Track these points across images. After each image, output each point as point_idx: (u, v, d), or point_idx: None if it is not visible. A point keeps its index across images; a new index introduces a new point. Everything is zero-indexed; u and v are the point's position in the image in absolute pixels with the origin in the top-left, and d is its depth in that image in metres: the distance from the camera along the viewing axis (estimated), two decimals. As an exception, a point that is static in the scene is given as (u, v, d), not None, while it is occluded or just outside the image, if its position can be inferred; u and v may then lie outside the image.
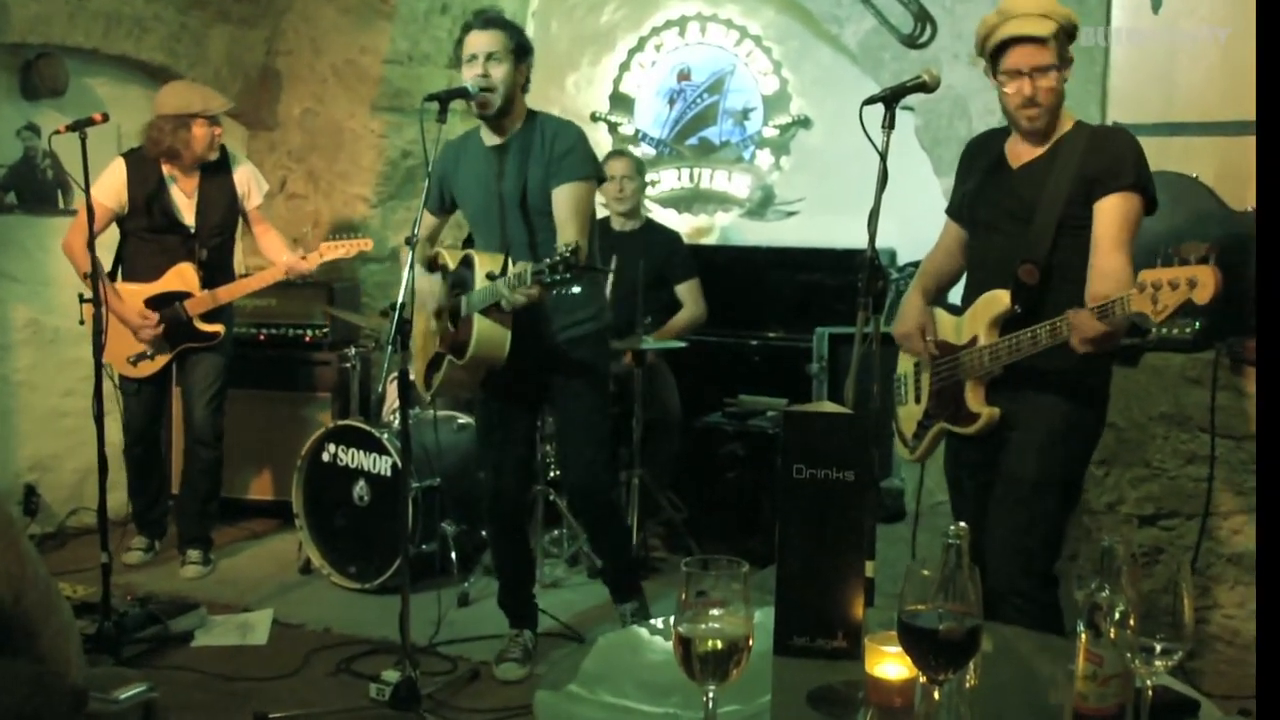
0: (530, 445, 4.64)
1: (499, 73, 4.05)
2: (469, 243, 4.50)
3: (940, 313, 3.63)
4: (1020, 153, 3.44)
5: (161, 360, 5.37)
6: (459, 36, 4.18)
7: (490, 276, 3.91)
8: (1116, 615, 1.80)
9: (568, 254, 3.57)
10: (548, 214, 4.08)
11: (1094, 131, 3.37)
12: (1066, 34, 3.29)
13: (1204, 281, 2.80)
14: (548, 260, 3.61)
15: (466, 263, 4.15)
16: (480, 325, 3.98)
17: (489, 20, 4.12)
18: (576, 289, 3.73)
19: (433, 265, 4.33)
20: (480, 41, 4.08)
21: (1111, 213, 3.23)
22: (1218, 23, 4.30)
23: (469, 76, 4.07)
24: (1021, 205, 3.36)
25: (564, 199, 4.05)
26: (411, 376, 4.18)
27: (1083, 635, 1.84)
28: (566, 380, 4.25)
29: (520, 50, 4.13)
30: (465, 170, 4.27)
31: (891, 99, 3.07)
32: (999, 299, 3.35)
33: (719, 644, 1.68)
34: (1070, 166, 3.28)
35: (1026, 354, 3.25)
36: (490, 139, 4.20)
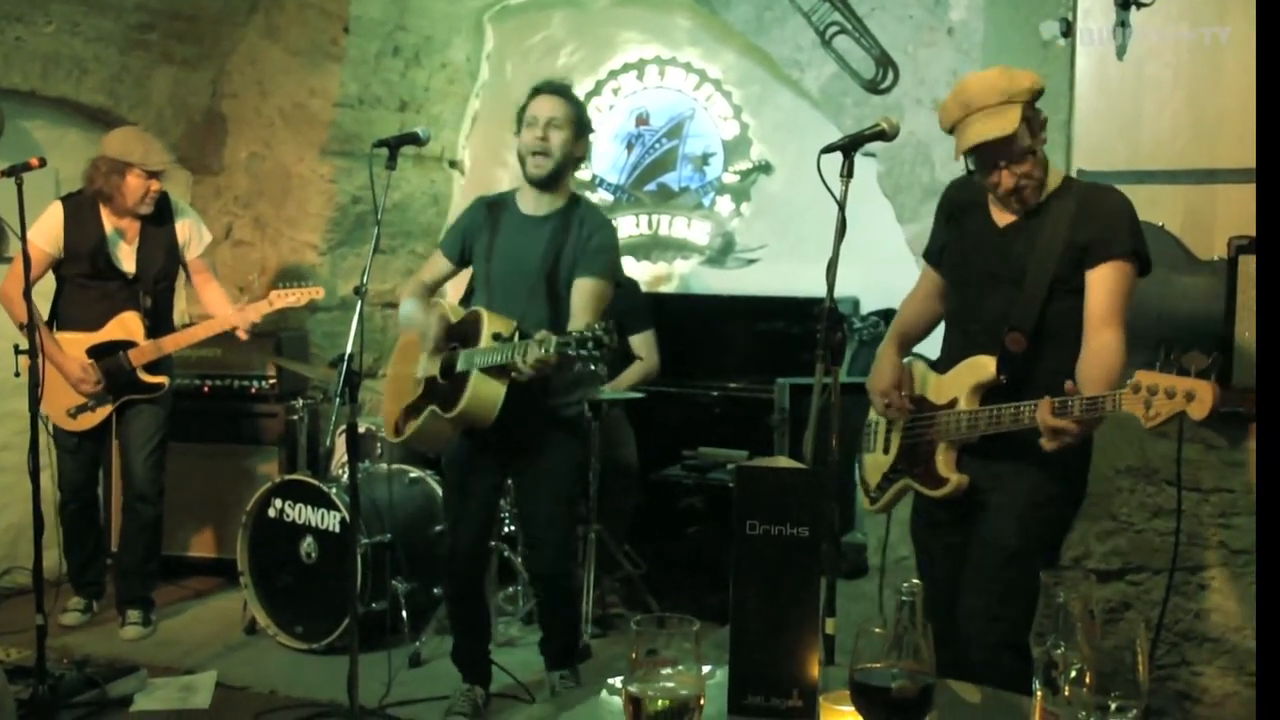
0: (494, 505, 4.57)
1: (558, 139, 4.10)
2: (466, 300, 4.44)
3: (920, 367, 3.55)
4: (1006, 211, 3.34)
5: (102, 413, 5.26)
6: (524, 101, 4.20)
7: (497, 338, 3.87)
8: (1072, 673, 1.77)
9: (600, 333, 3.55)
10: (568, 297, 4.10)
11: (1085, 192, 3.27)
12: (1032, 105, 3.18)
13: (1203, 397, 2.76)
14: (576, 334, 3.57)
15: (471, 319, 4.10)
16: (477, 383, 3.95)
17: (557, 88, 4.19)
18: (592, 366, 3.67)
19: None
20: (545, 106, 4.13)
21: (1103, 285, 3.16)
22: (1183, 70, 4.29)
23: (527, 139, 4.10)
24: (1008, 268, 3.27)
25: (585, 291, 4.08)
26: (362, 430, 4.08)
27: (1039, 693, 1.84)
28: (542, 460, 4.24)
29: (581, 124, 4.17)
30: (498, 232, 4.24)
31: (850, 147, 3.01)
32: (984, 366, 3.27)
33: (669, 704, 1.68)
34: (1060, 230, 3.19)
35: (1005, 429, 3.17)
36: (530, 207, 4.20)
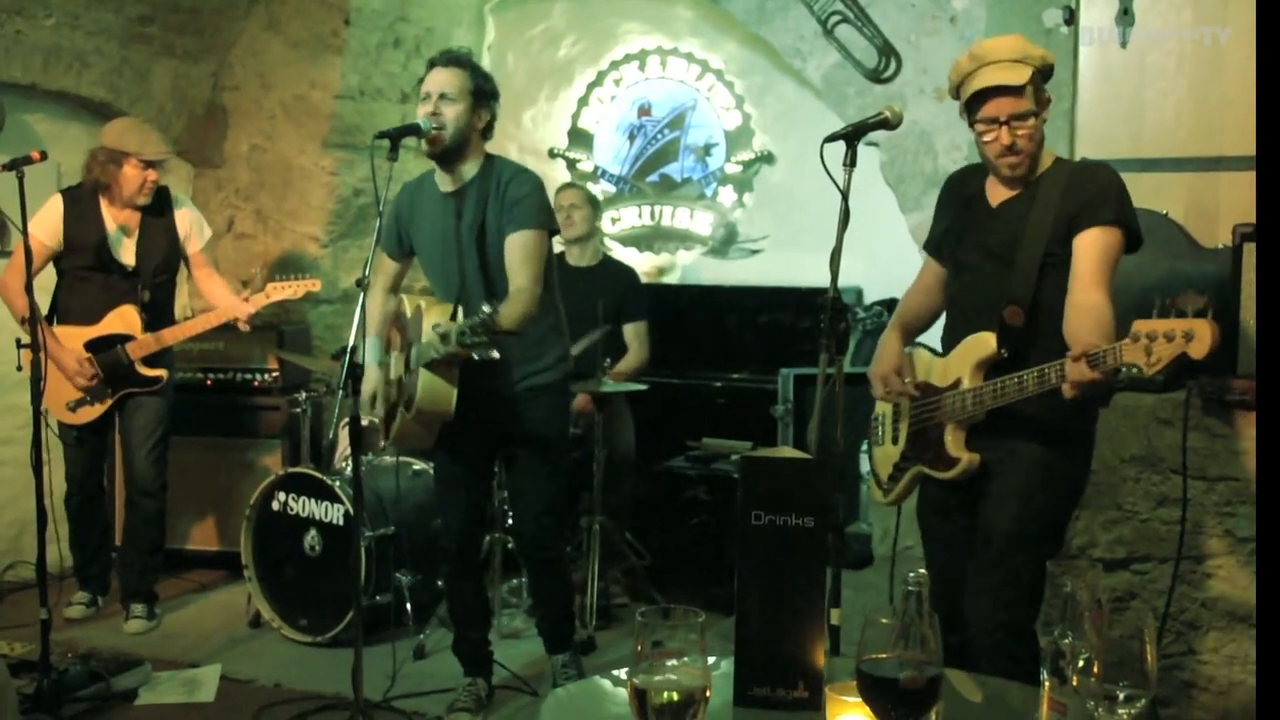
0: (486, 492, 4.56)
1: (451, 112, 4.00)
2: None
3: (922, 353, 3.56)
4: (999, 191, 3.36)
5: (101, 406, 5.23)
6: (424, 74, 4.12)
7: (436, 328, 3.82)
8: (1080, 662, 1.78)
9: (487, 317, 3.50)
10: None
11: (1075, 168, 3.30)
12: (1042, 75, 3.22)
13: (1201, 335, 2.73)
14: (468, 322, 3.53)
15: (416, 314, 4.09)
16: (425, 379, 3.91)
17: (451, 59, 4.09)
18: (495, 354, 3.61)
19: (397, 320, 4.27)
20: (437, 80, 4.04)
21: (1089, 248, 3.15)
22: (1186, 58, 4.29)
23: (421, 114, 4.02)
24: (1002, 245, 3.28)
25: (515, 246, 4.01)
26: (365, 423, 4.08)
27: (1046, 682, 1.84)
28: (523, 436, 4.20)
29: (480, 94, 4.07)
30: (421, 215, 4.20)
31: (853, 136, 3.02)
32: (985, 342, 3.27)
33: (675, 696, 1.67)
34: (1051, 204, 3.20)
35: (1012, 399, 3.16)
36: (445, 184, 4.14)
